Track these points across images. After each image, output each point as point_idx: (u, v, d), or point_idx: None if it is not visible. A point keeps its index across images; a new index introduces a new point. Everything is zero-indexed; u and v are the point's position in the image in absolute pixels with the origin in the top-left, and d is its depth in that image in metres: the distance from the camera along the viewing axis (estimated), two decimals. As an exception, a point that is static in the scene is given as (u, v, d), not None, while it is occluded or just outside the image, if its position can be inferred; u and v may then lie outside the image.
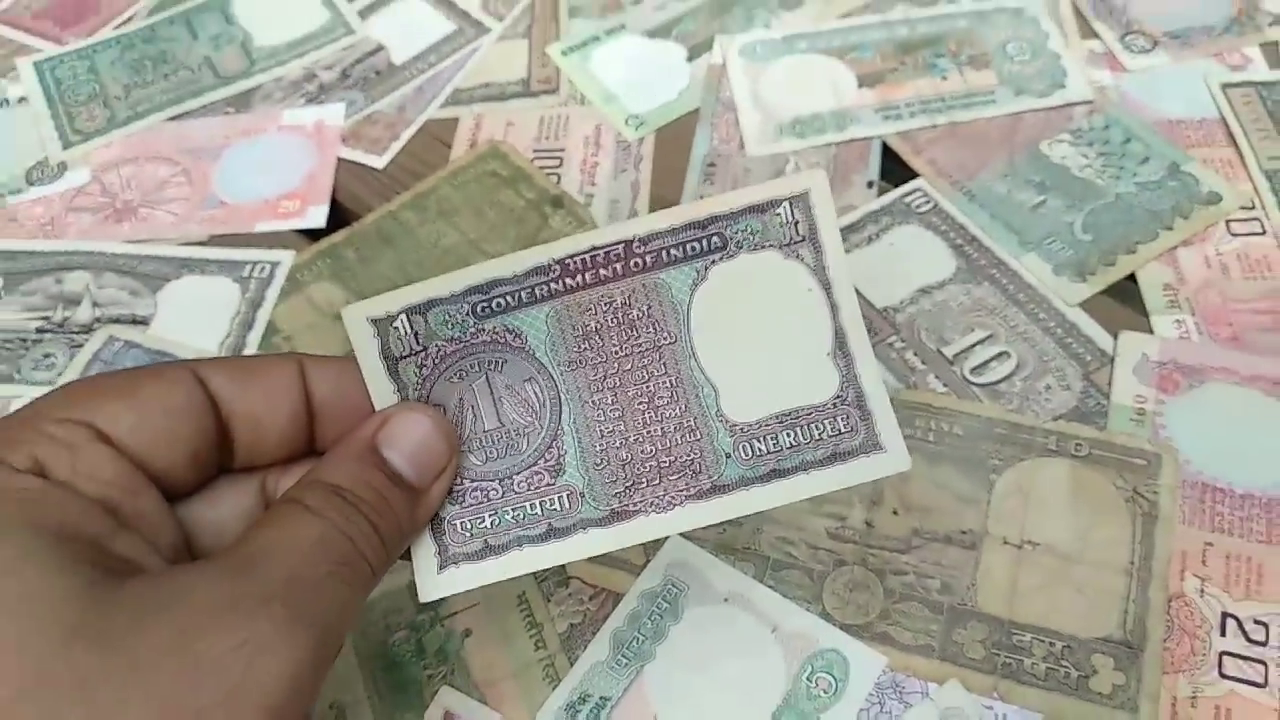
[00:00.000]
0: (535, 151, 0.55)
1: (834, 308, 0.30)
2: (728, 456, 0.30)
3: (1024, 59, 0.55)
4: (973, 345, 0.45)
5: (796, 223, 0.30)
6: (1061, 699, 0.37)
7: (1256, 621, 0.38)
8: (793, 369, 0.30)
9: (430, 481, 0.29)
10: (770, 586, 0.40)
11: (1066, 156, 0.51)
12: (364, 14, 0.63)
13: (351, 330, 0.30)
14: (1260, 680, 0.37)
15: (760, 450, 0.30)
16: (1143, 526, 0.40)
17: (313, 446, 0.30)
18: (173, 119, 0.59)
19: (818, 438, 0.30)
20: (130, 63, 0.61)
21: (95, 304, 0.51)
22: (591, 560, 0.41)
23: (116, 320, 0.50)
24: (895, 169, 0.52)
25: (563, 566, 0.41)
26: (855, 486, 0.41)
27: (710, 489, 0.30)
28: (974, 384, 0.44)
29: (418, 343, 0.30)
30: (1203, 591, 0.38)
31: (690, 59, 0.58)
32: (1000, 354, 0.45)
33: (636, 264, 0.30)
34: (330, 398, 0.30)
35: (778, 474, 0.30)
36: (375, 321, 0.30)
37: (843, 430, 0.30)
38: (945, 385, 0.44)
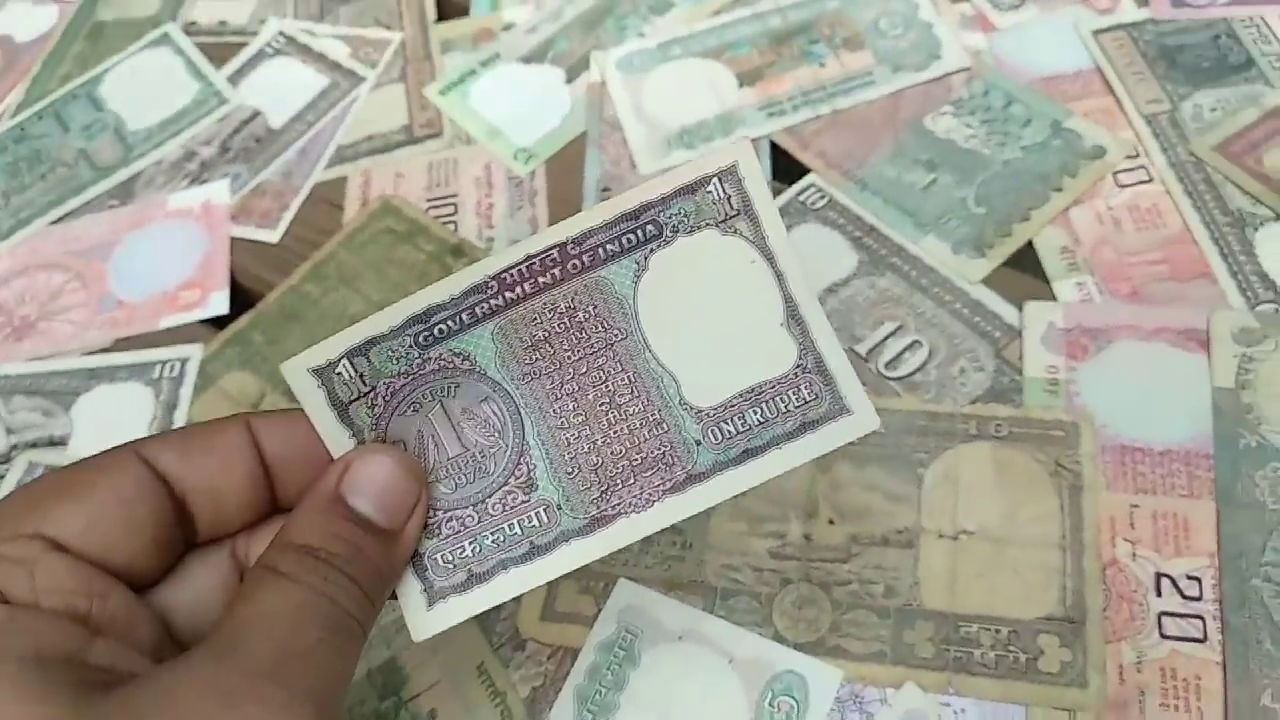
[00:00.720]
0: (428, 201, 0.54)
1: (779, 276, 0.30)
2: (698, 443, 0.29)
3: (897, 33, 0.55)
4: (884, 339, 0.46)
5: (729, 197, 0.30)
6: (1014, 684, 0.38)
7: (1189, 577, 0.39)
8: (749, 345, 0.30)
9: (403, 521, 0.28)
10: (721, 616, 0.40)
11: (951, 129, 0.51)
12: (234, 79, 0.61)
13: (294, 384, 0.29)
14: (1200, 635, 0.38)
15: (730, 432, 0.29)
16: (1069, 498, 0.41)
17: (277, 504, 0.30)
18: (56, 221, 0.57)
19: (784, 410, 0.29)
20: (5, 167, 0.60)
21: (9, 430, 0.50)
22: (543, 618, 0.41)
23: (33, 445, 0.49)
24: (786, 166, 0.52)
25: (516, 630, 0.41)
26: (788, 500, 0.42)
27: (686, 479, 0.29)
28: (890, 379, 0.45)
29: (364, 384, 0.29)
30: (1134, 555, 0.39)
31: (569, 80, 0.58)
32: (912, 344, 0.45)
33: (574, 265, 0.30)
34: (284, 452, 0.29)
35: (750, 453, 0.29)
36: (317, 371, 0.29)
37: (808, 399, 0.29)
38: (863, 383, 0.44)
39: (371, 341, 0.30)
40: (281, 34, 0.63)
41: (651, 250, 0.30)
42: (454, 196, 0.54)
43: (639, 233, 0.30)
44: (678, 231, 0.30)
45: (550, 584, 0.41)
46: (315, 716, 0.23)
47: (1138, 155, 0.49)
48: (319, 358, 0.30)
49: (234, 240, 0.55)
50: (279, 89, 0.61)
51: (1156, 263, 0.46)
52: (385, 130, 0.58)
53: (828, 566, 0.41)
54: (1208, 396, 0.42)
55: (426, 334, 0.30)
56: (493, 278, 0.30)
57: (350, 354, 0.30)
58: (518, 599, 0.41)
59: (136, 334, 0.52)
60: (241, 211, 0.56)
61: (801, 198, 0.50)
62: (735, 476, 0.30)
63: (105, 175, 0.59)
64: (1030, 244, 0.48)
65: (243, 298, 0.53)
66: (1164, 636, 0.38)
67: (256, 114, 0.60)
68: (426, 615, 0.29)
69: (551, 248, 0.30)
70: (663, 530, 0.41)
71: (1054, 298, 0.46)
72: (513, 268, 0.30)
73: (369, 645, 0.41)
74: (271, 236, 0.55)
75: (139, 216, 0.57)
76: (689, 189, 0.30)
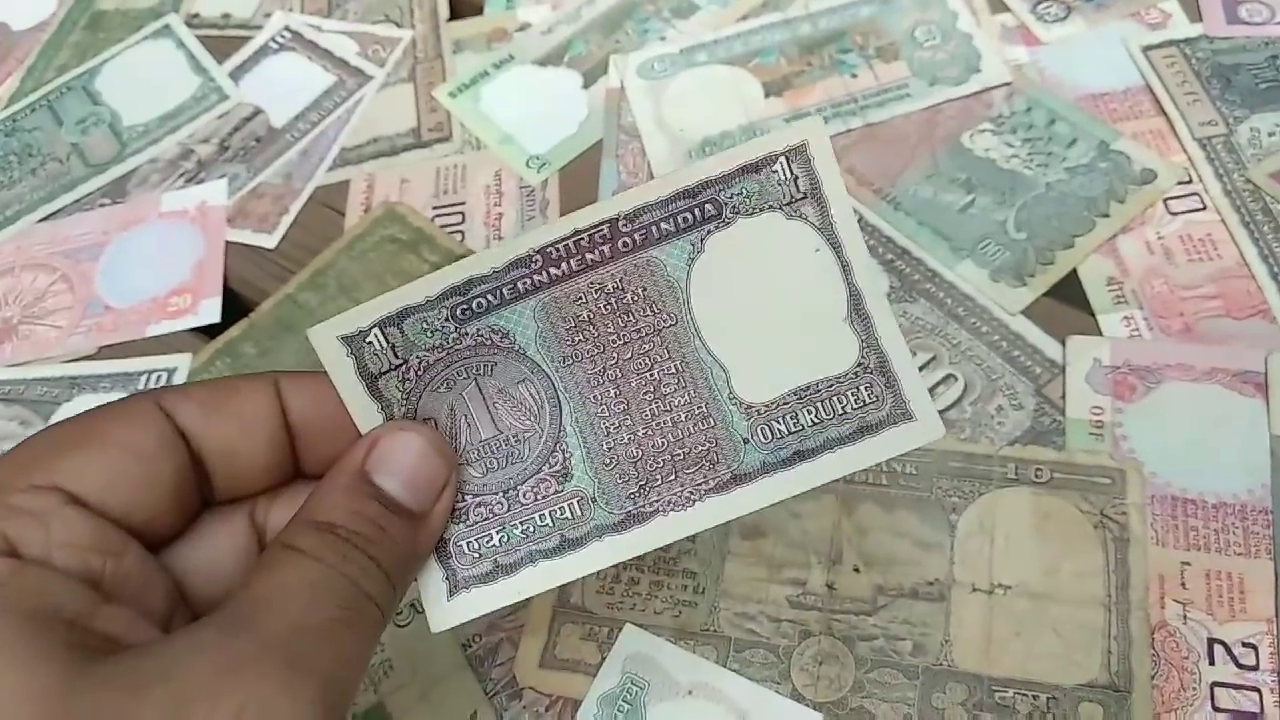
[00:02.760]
0: (435, 209, 0.52)
1: (845, 267, 0.28)
2: (746, 441, 0.28)
3: (934, 43, 0.52)
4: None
5: (796, 179, 0.27)
6: (1052, 757, 0.35)
7: (1245, 644, 0.36)
8: (807, 339, 0.28)
9: (431, 503, 0.27)
10: (735, 670, 0.37)
11: (990, 148, 0.48)
12: (235, 75, 0.58)
13: (321, 352, 0.27)
14: (1255, 709, 0.35)
15: (780, 431, 0.28)
16: (1115, 552, 0.38)
17: (299, 469, 0.28)
18: (45, 219, 0.55)
19: (842, 412, 0.28)
20: (-7, 160, 0.57)
21: (-15, 440, 0.47)
22: (543, 665, 0.38)
23: (8, 457, 0.47)
24: (814, 182, 0.49)
25: (513, 677, 0.38)
26: (810, 544, 0.39)
27: (731, 479, 0.28)
28: (922, 415, 0.42)
29: (396, 356, 0.28)
30: (1185, 617, 0.36)
31: (586, 85, 0.55)
32: (946, 377, 0.42)
33: (625, 244, 0.28)
34: (310, 417, 0.28)
35: (802, 455, 0.28)
36: (347, 339, 0.27)
37: (867, 401, 0.28)
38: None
39: (406, 312, 0.27)
40: (287, 29, 0.60)
41: (709, 231, 0.28)
42: (462, 205, 0.52)
43: (696, 212, 0.28)
44: (738, 213, 0.28)
45: (551, 629, 0.38)
46: (319, 696, 0.22)
47: (1190, 181, 0.46)
48: (349, 325, 0.28)
49: (229, 244, 0.52)
50: (282, 86, 0.58)
51: (1210, 297, 0.43)
52: (392, 133, 0.55)
53: (851, 619, 0.38)
54: (1266, 445, 0.39)
55: (464, 307, 0.28)
56: (537, 251, 0.28)
57: (383, 323, 0.27)
58: (514, 644, 0.38)
59: (122, 341, 0.50)
60: (238, 214, 0.53)
61: (830, 217, 0.47)
62: (784, 480, 0.28)
63: (98, 172, 0.56)
64: (1074, 273, 0.44)
65: (236, 306, 0.50)
66: (1216, 709, 0.35)
67: (258, 112, 0.57)
68: (446, 605, 0.28)
69: (602, 223, 0.28)
70: (674, 572, 0.39)
71: (1099, 332, 0.43)
72: (559, 242, 0.28)
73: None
74: (269, 241, 0.52)
75: (131, 216, 0.54)
76: (753, 167, 0.27)
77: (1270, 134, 0.47)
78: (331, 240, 0.51)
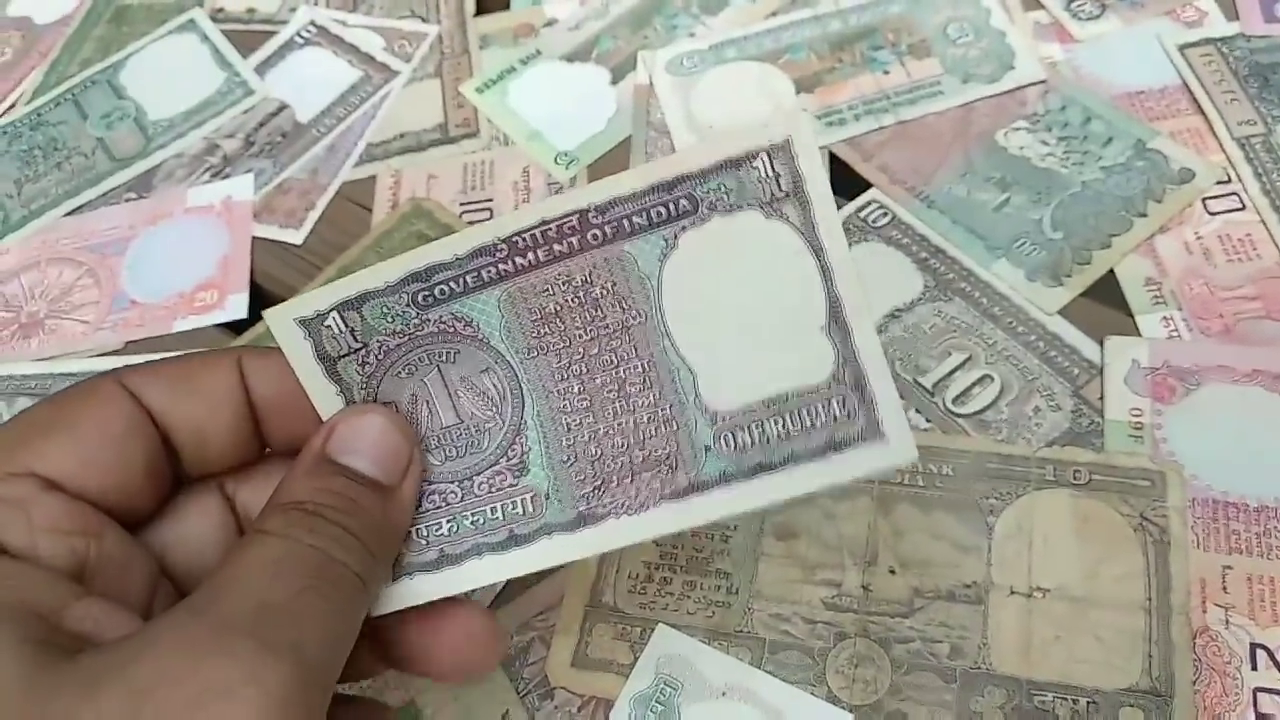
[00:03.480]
0: (462, 205, 0.51)
1: (826, 273, 0.26)
2: (708, 449, 0.27)
3: (967, 40, 0.52)
4: (952, 372, 0.42)
5: (778, 177, 0.26)
6: (1093, 763, 0.34)
7: (1289, 650, 0.35)
8: (781, 347, 0.26)
9: (399, 477, 0.27)
10: (770, 672, 0.37)
11: (1025, 146, 0.48)
12: (261, 70, 0.58)
13: (278, 334, 0.27)
14: (1300, 715, 0.34)
15: (745, 442, 0.26)
16: (1155, 556, 0.37)
17: (267, 446, 0.28)
18: (71, 213, 0.54)
19: (811, 425, 0.26)
20: (19, 155, 0.57)
21: (11, 435, 0.47)
22: (575, 665, 0.38)
23: (35, 451, 0.46)
24: (845, 180, 0.49)
25: (545, 677, 0.38)
26: (845, 545, 0.39)
27: (688, 487, 0.27)
28: (958, 415, 0.41)
29: (355, 339, 0.27)
30: (1227, 622, 0.36)
31: (614, 82, 0.54)
32: (982, 378, 0.42)
33: (595, 236, 0.27)
34: (272, 395, 0.28)
35: (764, 468, 0.26)
36: (304, 322, 0.27)
37: (839, 416, 0.26)
38: (928, 420, 0.41)
39: (365, 296, 0.27)
40: (312, 23, 0.60)
41: (683, 228, 0.27)
42: (489, 201, 0.51)
43: (671, 206, 0.26)
44: (715, 209, 0.26)
45: (583, 629, 0.38)
46: (293, 670, 0.21)
47: (1229, 180, 0.46)
48: (306, 308, 0.27)
49: (255, 240, 0.52)
50: (308, 81, 0.57)
51: (1250, 298, 0.42)
52: (419, 128, 0.55)
53: (888, 621, 0.37)
54: (1308, 448, 0.39)
55: (426, 294, 0.27)
56: (503, 240, 0.27)
57: (341, 307, 0.27)
58: (546, 644, 0.38)
59: (149, 336, 0.49)
60: (265, 209, 0.53)
61: (863, 214, 0.47)
62: (743, 492, 0.26)
63: (123, 166, 0.56)
64: (1112, 273, 0.44)
65: (262, 301, 0.50)
66: (1260, 715, 0.34)
67: (283, 107, 0.57)
68: (389, 589, 0.27)
69: (571, 214, 0.27)
70: (707, 573, 0.39)
71: (1138, 333, 0.42)
72: (526, 231, 0.27)
73: (385, 685, 0.38)
74: (295, 237, 0.52)
75: (157, 211, 0.54)
76: (733, 163, 0.26)
77: (1309, 133, 0.46)
78: (358, 236, 0.51)
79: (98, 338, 0.50)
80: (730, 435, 0.27)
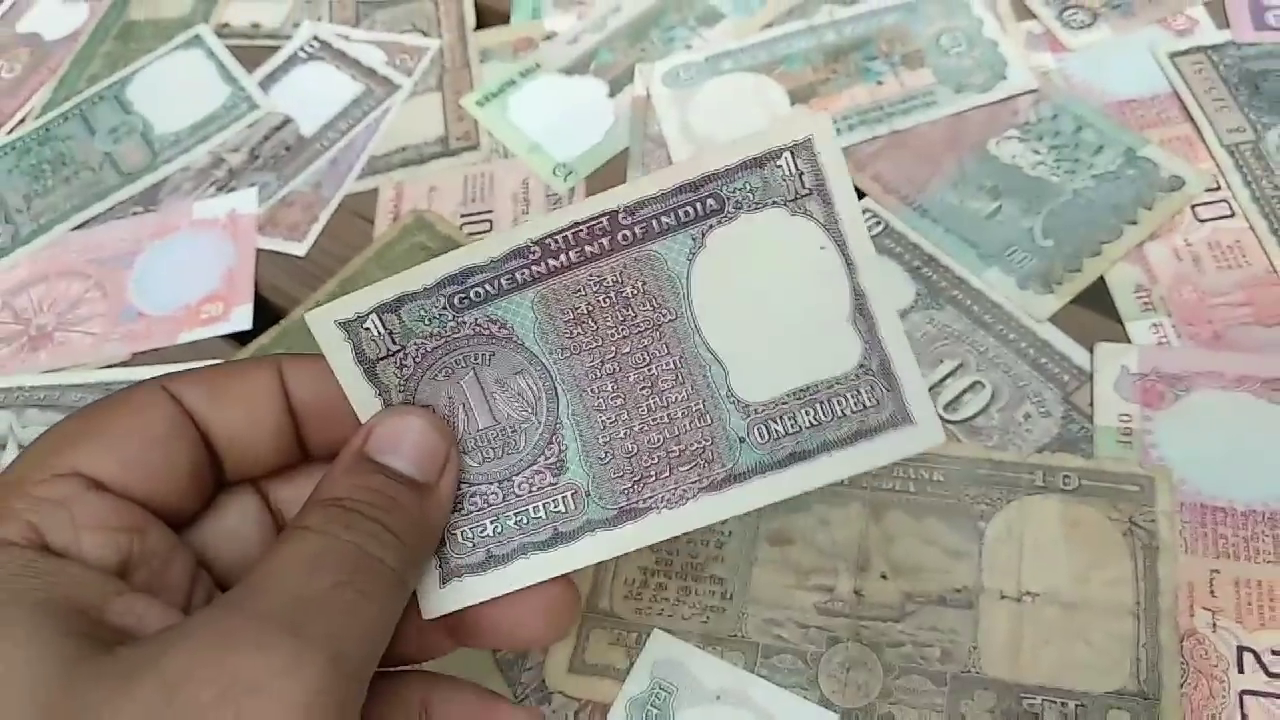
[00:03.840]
0: (463, 216, 0.52)
1: (850, 266, 0.27)
2: (742, 441, 0.28)
3: (960, 50, 0.52)
4: (944, 379, 0.43)
5: (801, 174, 0.27)
6: (1081, 765, 0.35)
7: (1275, 652, 0.36)
8: (809, 339, 0.27)
9: (436, 475, 0.27)
10: (763, 676, 0.37)
11: (1017, 155, 0.48)
12: (265, 85, 0.59)
13: (319, 337, 0.28)
14: (1286, 717, 0.35)
15: (777, 432, 0.27)
16: (1144, 560, 0.37)
17: (307, 452, 0.29)
18: (78, 227, 0.55)
19: (841, 414, 0.27)
20: (28, 169, 0.58)
21: (20, 446, 0.48)
22: (572, 670, 0.38)
23: (44, 462, 0.47)
24: (840, 190, 0.49)
25: (542, 681, 0.38)
26: (838, 551, 0.39)
27: (725, 479, 0.28)
28: (949, 422, 0.42)
29: (394, 342, 0.28)
30: (1215, 625, 0.36)
31: (612, 94, 0.55)
32: (973, 384, 0.42)
33: (625, 236, 0.27)
34: (311, 400, 0.28)
35: (798, 457, 0.27)
36: (344, 325, 0.28)
37: (868, 404, 0.27)
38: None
39: (403, 299, 0.28)
40: (316, 38, 0.61)
41: (711, 226, 0.27)
42: (489, 212, 0.52)
43: (698, 206, 0.27)
44: (741, 208, 0.27)
45: (579, 633, 0.39)
46: (328, 665, 0.21)
47: (1219, 188, 0.46)
48: (347, 310, 0.28)
49: (260, 252, 0.53)
50: (311, 95, 0.58)
51: (1239, 305, 0.43)
52: (420, 141, 0.55)
53: (880, 625, 0.38)
54: (1296, 453, 0.39)
55: (462, 296, 0.28)
56: (536, 242, 0.27)
57: (380, 310, 0.28)
58: (544, 649, 0.39)
59: (155, 348, 0.50)
60: (269, 222, 0.54)
61: (856, 224, 0.48)
62: (779, 481, 0.27)
63: (130, 180, 0.57)
64: (1102, 280, 0.44)
65: (267, 313, 0.51)
66: (1246, 718, 0.35)
67: (287, 121, 0.58)
68: (440, 592, 0.28)
69: (601, 215, 0.27)
70: (702, 578, 0.39)
71: (1128, 339, 0.43)
72: (558, 234, 0.27)
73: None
74: (299, 249, 0.53)
75: (163, 225, 0.55)
76: (757, 162, 0.27)
77: (1299, 140, 0.47)
78: (361, 248, 0.52)
79: (105, 350, 0.51)
80: (764, 426, 0.28)
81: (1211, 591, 0.37)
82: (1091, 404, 0.41)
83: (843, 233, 0.27)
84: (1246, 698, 0.35)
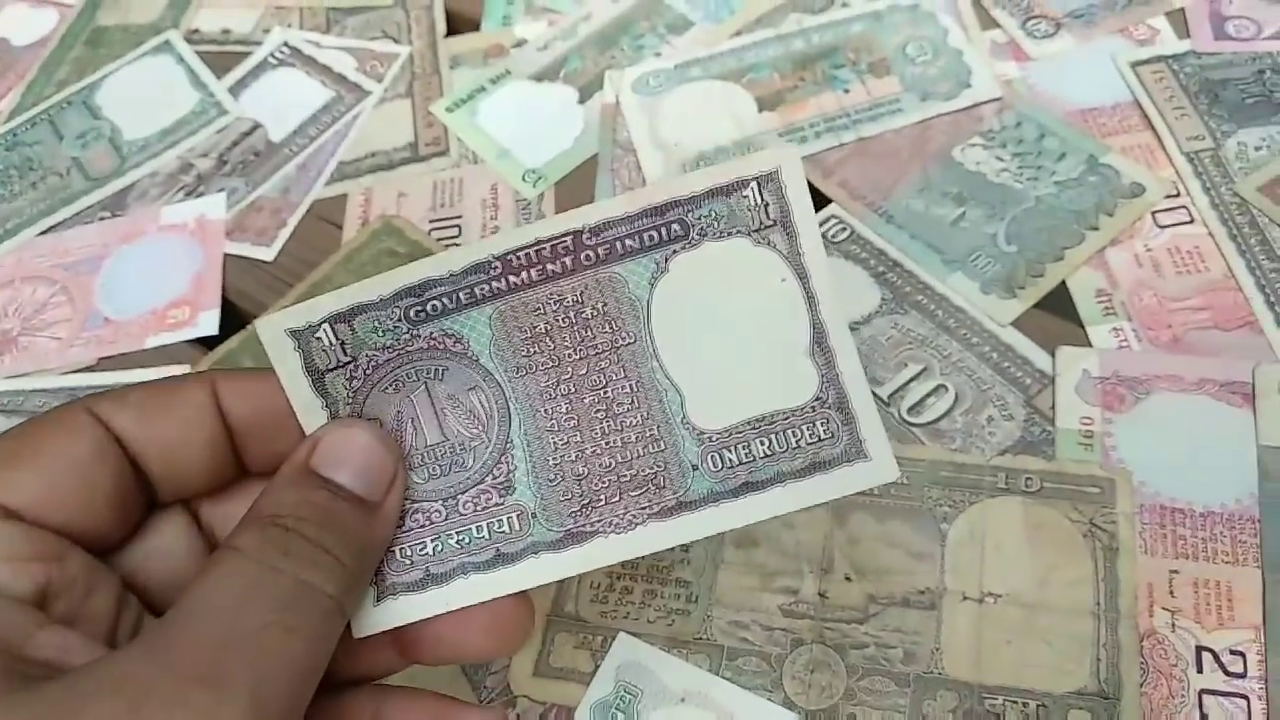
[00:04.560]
0: (432, 222, 0.52)
1: (811, 299, 0.27)
2: (695, 468, 0.27)
3: (925, 59, 0.53)
4: (907, 382, 0.43)
5: (766, 205, 0.27)
6: (1042, 764, 0.35)
7: (1233, 652, 0.36)
8: (766, 369, 0.27)
9: (382, 493, 0.26)
10: (727, 678, 0.37)
11: (981, 162, 0.49)
12: (235, 90, 0.59)
13: (269, 345, 0.27)
14: (1243, 716, 0.35)
15: (731, 461, 0.27)
16: (1104, 562, 0.38)
17: (245, 468, 0.28)
18: (45, 232, 0.55)
19: (795, 445, 0.27)
20: (-6, 175, 0.57)
21: (-17, 451, 0.48)
22: (536, 674, 0.38)
23: (7, 467, 0.47)
24: (807, 196, 0.50)
25: (507, 685, 0.38)
26: (802, 553, 0.40)
27: (675, 505, 0.27)
28: (913, 425, 0.42)
29: (345, 353, 0.27)
30: (1174, 625, 0.37)
31: (582, 100, 0.55)
32: (937, 388, 0.43)
33: (588, 257, 0.27)
34: (250, 415, 0.27)
35: (751, 487, 0.27)
36: (295, 333, 0.27)
37: (823, 436, 0.27)
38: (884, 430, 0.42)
39: (358, 309, 0.27)
40: (286, 44, 0.61)
41: (674, 251, 0.27)
42: (458, 218, 0.52)
43: (663, 230, 0.27)
44: (705, 235, 0.27)
45: (544, 637, 0.39)
46: (248, 714, 0.21)
47: (1178, 194, 0.47)
48: (299, 319, 0.27)
49: (228, 257, 0.52)
50: (281, 101, 0.58)
51: (1198, 309, 0.43)
52: (389, 147, 0.55)
53: (843, 627, 0.38)
54: (1253, 455, 0.40)
55: (419, 309, 0.27)
56: (497, 258, 0.27)
57: (333, 319, 0.27)
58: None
59: (122, 353, 0.50)
60: (237, 227, 0.53)
61: (822, 229, 0.48)
62: (729, 510, 0.27)
63: (98, 185, 0.56)
64: (1064, 285, 0.45)
65: (234, 318, 0.50)
66: (1205, 717, 0.35)
67: (256, 126, 0.57)
68: (373, 610, 0.27)
69: (565, 234, 0.27)
70: (668, 581, 0.39)
71: (1089, 343, 0.43)
72: (520, 250, 0.27)
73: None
74: (267, 254, 0.52)
75: (131, 229, 0.54)
76: (724, 191, 0.27)
77: (1257, 148, 0.47)
78: (329, 253, 0.52)
79: (70, 354, 0.50)
80: (717, 455, 0.27)
81: (1171, 592, 0.37)
82: (1053, 407, 0.42)
83: (805, 266, 0.27)
84: (1205, 697, 0.35)
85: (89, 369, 0.50)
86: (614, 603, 0.39)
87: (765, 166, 0.27)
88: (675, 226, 0.27)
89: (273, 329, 0.27)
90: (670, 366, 0.27)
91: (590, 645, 0.39)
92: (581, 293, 0.27)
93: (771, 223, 0.27)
